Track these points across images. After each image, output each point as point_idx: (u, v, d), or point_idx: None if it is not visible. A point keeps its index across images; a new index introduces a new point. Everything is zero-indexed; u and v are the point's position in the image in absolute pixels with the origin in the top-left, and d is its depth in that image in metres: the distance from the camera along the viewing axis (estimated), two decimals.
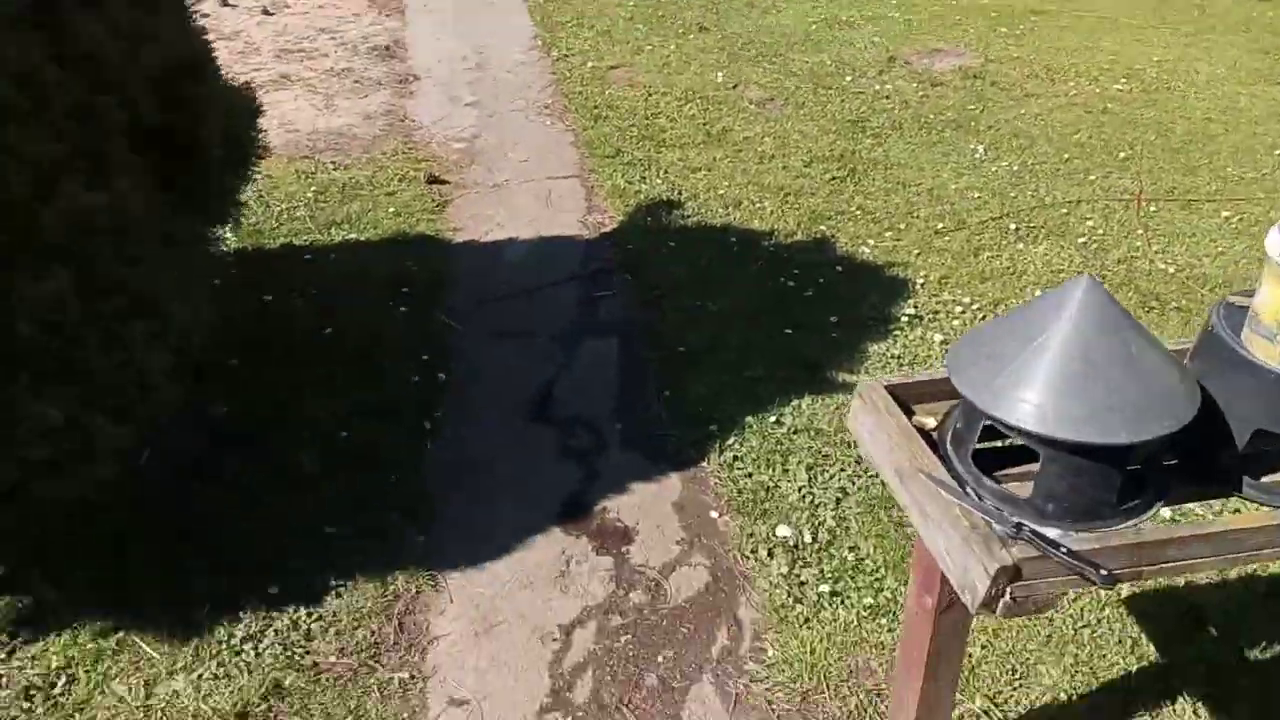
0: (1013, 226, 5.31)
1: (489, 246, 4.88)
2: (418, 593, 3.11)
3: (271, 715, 2.72)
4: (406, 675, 2.83)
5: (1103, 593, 3.03)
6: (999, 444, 1.83)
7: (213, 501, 3.37)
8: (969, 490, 1.70)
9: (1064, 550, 1.53)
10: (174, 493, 3.39)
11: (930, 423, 1.91)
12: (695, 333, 4.27)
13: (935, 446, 1.86)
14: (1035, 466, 1.77)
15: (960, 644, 2.05)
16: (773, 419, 3.76)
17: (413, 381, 3.94)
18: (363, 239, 4.89)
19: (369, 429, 3.67)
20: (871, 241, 5.08)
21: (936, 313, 4.52)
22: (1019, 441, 1.71)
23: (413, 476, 3.51)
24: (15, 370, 2.35)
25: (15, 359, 2.36)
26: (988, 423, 1.71)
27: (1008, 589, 1.56)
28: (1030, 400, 1.60)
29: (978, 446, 1.77)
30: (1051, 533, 1.60)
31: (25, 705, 2.72)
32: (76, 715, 2.70)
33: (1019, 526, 1.57)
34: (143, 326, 2.61)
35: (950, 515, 1.65)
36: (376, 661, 2.87)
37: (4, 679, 2.82)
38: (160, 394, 2.89)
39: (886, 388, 1.94)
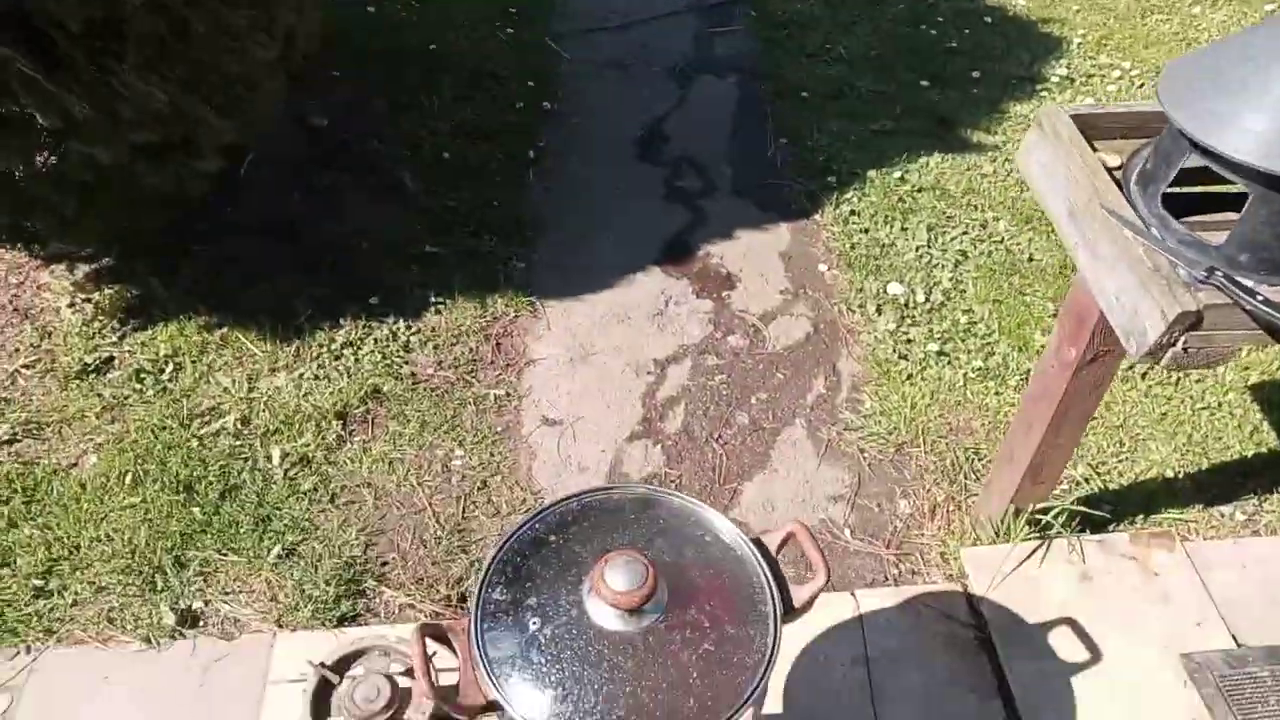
0: None
1: None
2: (516, 316, 3.08)
3: (369, 417, 2.78)
4: (502, 392, 2.85)
5: (1228, 377, 2.83)
6: (1189, 189, 1.60)
7: (314, 211, 3.34)
8: (1154, 232, 1.50)
9: (1260, 299, 1.34)
10: (277, 200, 3.37)
11: (1113, 161, 1.68)
12: (821, 77, 3.94)
13: (1117, 186, 1.64)
14: (1227, 216, 1.55)
15: (1094, 402, 1.91)
16: (897, 175, 3.50)
17: (517, 108, 3.76)
18: None
19: (472, 151, 3.55)
20: None
21: (1091, 76, 4.08)
22: (1222, 184, 1.48)
23: (515, 203, 3.40)
24: (123, 49, 2.24)
25: (123, 38, 2.26)
26: (1188, 161, 1.47)
27: (1183, 336, 1.39)
28: (1255, 128, 1.35)
29: (1166, 191, 1.55)
30: (1246, 282, 1.40)
31: (136, 386, 2.84)
32: (184, 400, 2.80)
33: (1210, 271, 1.37)
34: (248, 15, 2.46)
35: (1130, 255, 1.46)
36: (473, 377, 2.89)
37: (116, 361, 2.93)
38: (263, 89, 2.80)
39: (1071, 116, 1.70)
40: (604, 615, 1.36)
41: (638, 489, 1.59)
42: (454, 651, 1.45)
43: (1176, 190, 1.58)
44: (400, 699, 1.61)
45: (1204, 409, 2.75)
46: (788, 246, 3.32)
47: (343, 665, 1.68)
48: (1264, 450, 2.65)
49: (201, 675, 2.23)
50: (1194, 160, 1.49)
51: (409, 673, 1.64)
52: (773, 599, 1.42)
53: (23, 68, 2.07)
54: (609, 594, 1.33)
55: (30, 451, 2.70)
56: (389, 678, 1.62)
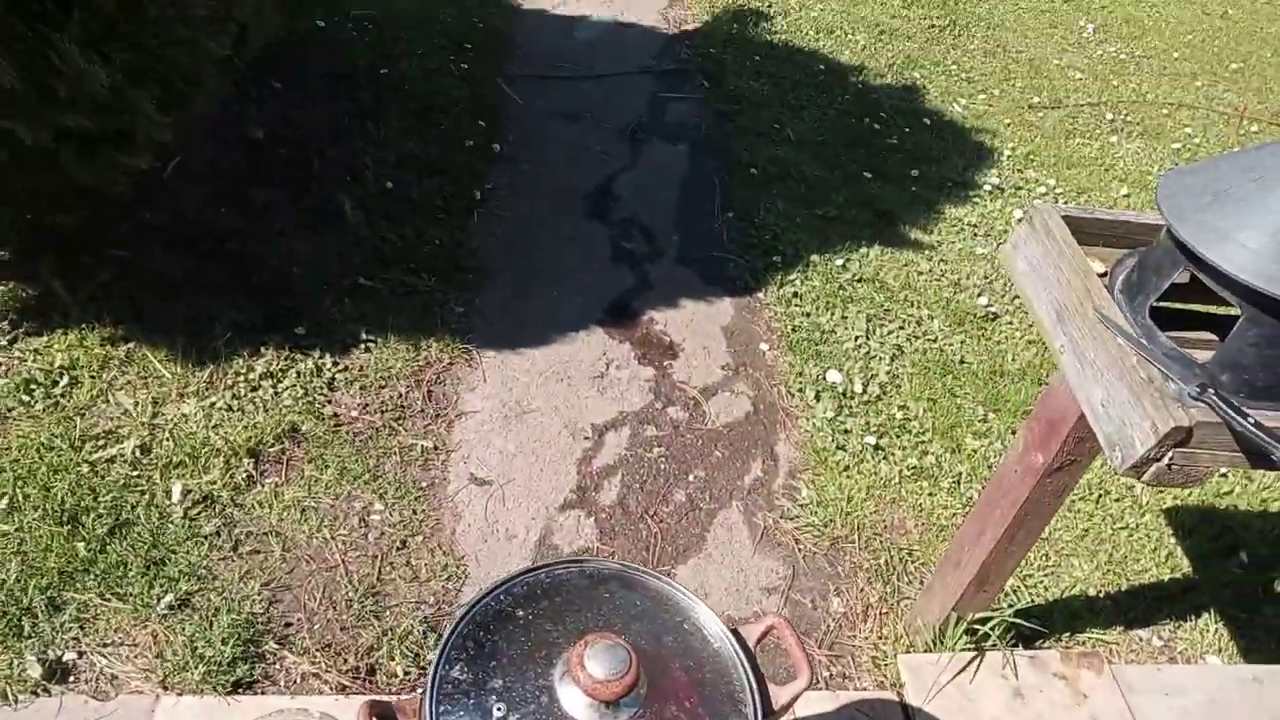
0: (1109, 116, 4.96)
1: (560, 20, 4.49)
2: (450, 363, 2.94)
3: (285, 457, 2.58)
4: (430, 444, 2.69)
5: (1144, 498, 2.92)
6: (1172, 304, 1.63)
7: (242, 228, 3.13)
8: (1142, 342, 1.50)
9: (1252, 422, 1.35)
10: (202, 210, 3.15)
11: (1098, 267, 1.69)
12: (769, 156, 3.98)
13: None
14: (1204, 335, 1.58)
15: (1053, 509, 1.92)
16: (839, 262, 3.54)
17: (466, 145, 3.66)
18: None
19: (417, 185, 3.42)
20: (963, 100, 4.73)
21: (1019, 188, 4.25)
22: (1207, 303, 1.51)
23: (458, 244, 3.28)
24: (66, 20, 2.05)
25: (68, 8, 2.06)
26: (1180, 275, 1.49)
27: (1170, 453, 1.38)
28: (1253, 246, 1.37)
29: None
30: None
31: (24, 398, 2.57)
32: (77, 419, 2.55)
33: (1203, 387, 1.38)
34: (207, 4, 2.30)
35: (1121, 364, 1.46)
36: (400, 425, 2.73)
37: (4, 368, 2.65)
38: (205, 88, 2.62)
39: (1063, 216, 1.71)
40: (577, 705, 1.24)
41: (612, 565, 1.49)
42: None
43: (1159, 304, 1.60)
44: None
45: (1123, 529, 2.82)
46: (730, 321, 3.29)
47: None
48: (1178, 575, 2.73)
49: None
50: (1182, 275, 1.52)
51: None
52: (753, 699, 1.34)
53: None
54: (587, 682, 1.22)
55: None
56: None
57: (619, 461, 2.76)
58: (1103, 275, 1.72)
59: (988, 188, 4.16)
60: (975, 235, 3.88)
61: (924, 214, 3.91)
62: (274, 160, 3.37)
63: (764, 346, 3.22)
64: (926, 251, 3.73)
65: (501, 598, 1.41)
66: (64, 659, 2.09)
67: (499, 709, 1.26)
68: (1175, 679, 2.31)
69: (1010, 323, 3.48)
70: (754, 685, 1.36)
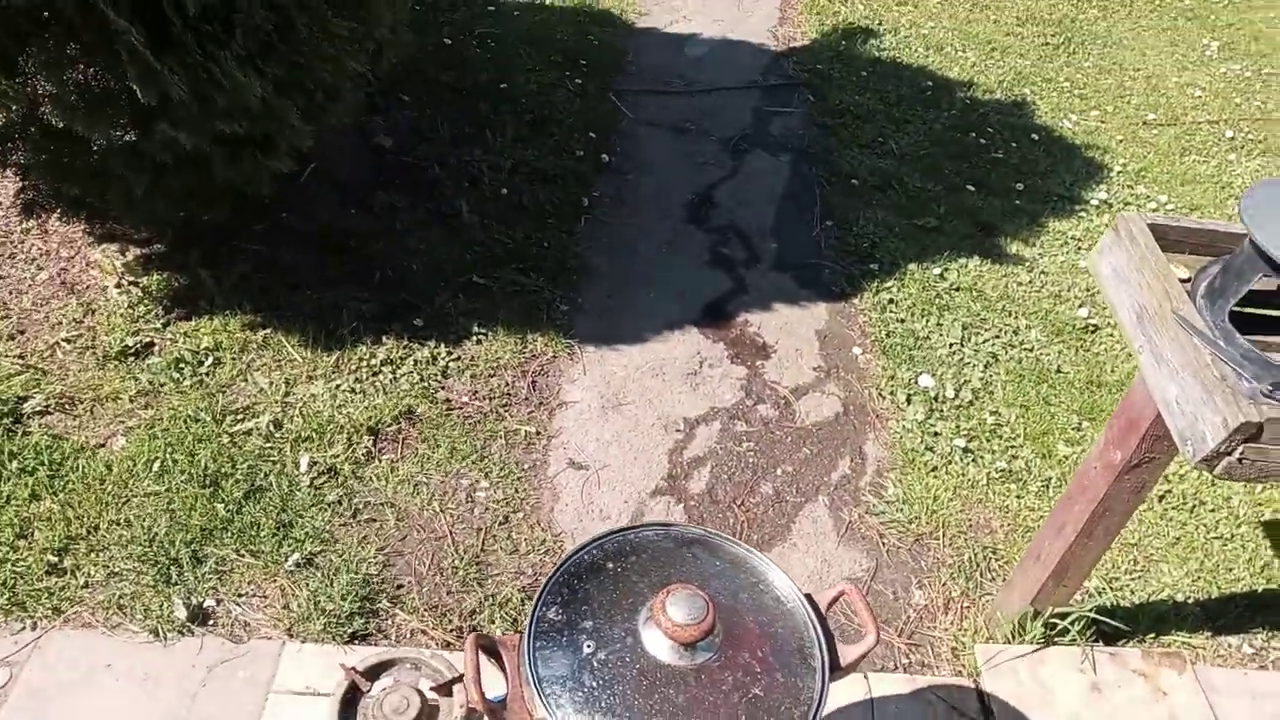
0: (1229, 134, 4.84)
1: (671, 38, 4.67)
2: (554, 357, 3.12)
3: (401, 436, 2.80)
4: (533, 430, 2.87)
5: (1242, 510, 2.87)
6: (1254, 310, 1.66)
7: (369, 228, 3.39)
8: (1220, 343, 1.55)
9: None
10: (334, 212, 3.43)
11: (1181, 273, 1.74)
12: (871, 168, 4.06)
13: None
14: None
15: (1132, 507, 1.95)
16: (937, 271, 3.59)
17: (577, 155, 3.85)
18: (546, 1, 4.71)
19: (529, 191, 3.63)
20: (1074, 117, 4.69)
21: (1128, 203, 4.20)
22: None
23: (566, 247, 3.47)
24: (229, 40, 2.31)
25: (231, 29, 2.33)
26: (1261, 281, 1.54)
27: (1240, 447, 1.43)
28: None
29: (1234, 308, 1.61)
30: None
31: (174, 375, 2.85)
32: (219, 395, 2.82)
33: (1276, 385, 1.43)
34: (348, 25, 2.55)
35: (1196, 362, 1.51)
36: (506, 411, 2.92)
37: (157, 347, 2.95)
38: (343, 101, 2.87)
39: (1148, 224, 1.76)
40: (659, 646, 1.37)
41: (695, 530, 1.62)
42: (501, 667, 1.46)
43: (1241, 310, 1.64)
44: (428, 714, 1.60)
45: (1217, 538, 2.78)
46: (824, 326, 3.38)
47: (373, 673, 1.67)
48: (1274, 586, 2.68)
49: (205, 675, 2.21)
50: (1264, 282, 1.56)
51: (439, 689, 1.63)
52: (822, 654, 1.44)
53: (135, 42, 2.14)
54: (668, 625, 1.35)
55: (61, 425, 2.71)
56: (419, 691, 1.61)
57: (709, 453, 2.88)
58: (1187, 281, 1.77)
59: (1095, 203, 4.13)
60: (1079, 249, 3.86)
61: (1027, 227, 3.92)
62: (399, 167, 3.63)
63: (857, 350, 3.30)
64: (1027, 263, 3.73)
65: (594, 552, 1.55)
66: (204, 605, 2.33)
67: (588, 645, 1.40)
68: (1265, 684, 2.29)
69: (1111, 334, 3.46)
70: (823, 641, 1.46)
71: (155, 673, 2.20)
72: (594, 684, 1.35)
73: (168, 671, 2.20)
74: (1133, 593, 2.59)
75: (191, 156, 2.67)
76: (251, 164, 2.76)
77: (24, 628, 2.26)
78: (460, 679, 1.63)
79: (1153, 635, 2.45)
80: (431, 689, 1.65)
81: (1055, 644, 2.31)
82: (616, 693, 1.34)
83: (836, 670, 1.46)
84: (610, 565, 1.53)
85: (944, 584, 2.57)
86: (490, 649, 1.48)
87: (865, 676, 2.28)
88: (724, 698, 1.35)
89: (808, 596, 1.54)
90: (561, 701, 1.34)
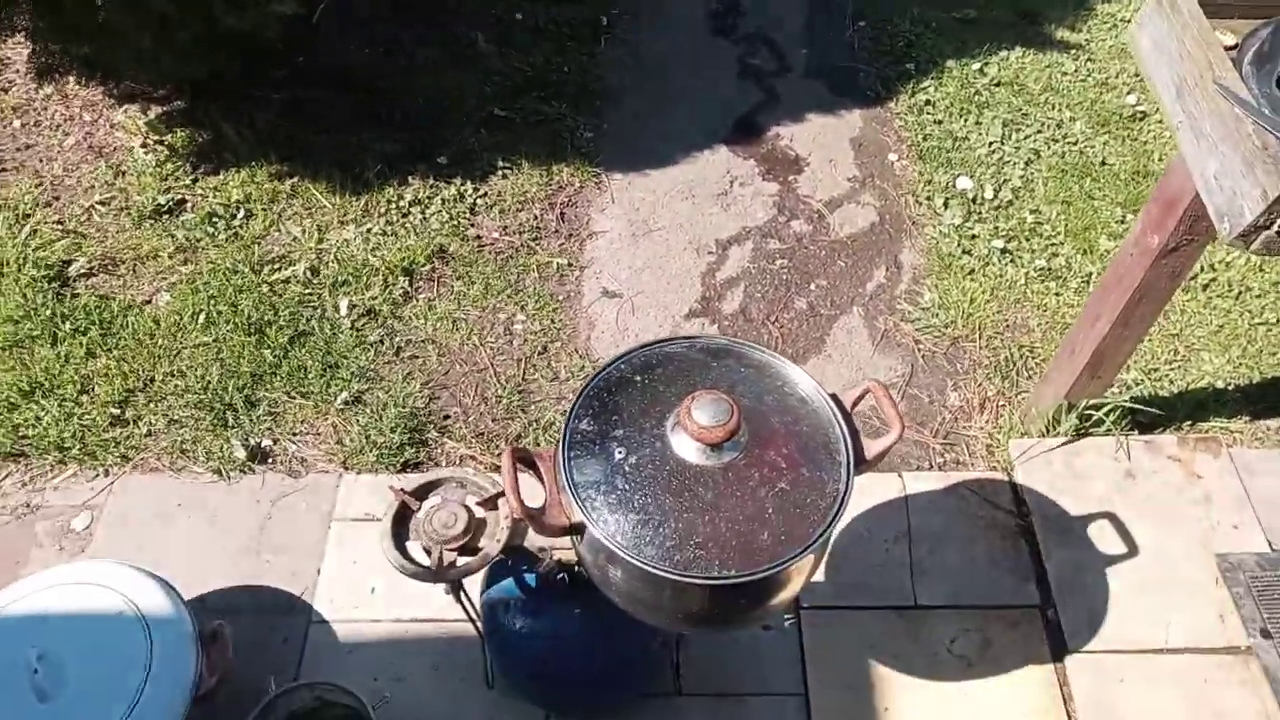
0: None
1: None
2: (581, 187, 3.08)
3: (435, 275, 2.82)
4: (565, 262, 2.87)
5: None
6: None
7: (385, 67, 3.32)
8: (1266, 112, 1.47)
9: None
10: (348, 52, 3.35)
11: (1229, 40, 1.63)
12: None
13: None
14: None
15: (1168, 293, 1.92)
16: (976, 67, 3.42)
17: None
18: None
19: (545, 14, 3.49)
20: None
21: None
22: None
23: (586, 72, 3.37)
24: None
25: None
26: None
27: (1279, 220, 1.38)
28: None
29: None
30: None
31: (209, 230, 2.89)
32: (255, 246, 2.85)
33: None
34: None
35: (1238, 133, 1.44)
36: (537, 244, 2.92)
37: (189, 203, 2.97)
38: None
39: None
40: (687, 449, 1.41)
41: (720, 339, 1.63)
42: (539, 478, 1.52)
43: None
44: (475, 527, 1.69)
45: (1261, 324, 2.73)
46: (859, 133, 3.28)
47: (421, 493, 1.75)
48: None
49: (269, 508, 2.34)
50: None
51: (484, 504, 1.71)
52: (846, 449, 1.47)
53: None
54: (693, 428, 1.38)
55: (106, 286, 2.78)
56: (466, 507, 1.69)
57: (742, 274, 2.87)
58: (1233, 49, 1.66)
59: None
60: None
61: (1073, 11, 3.68)
62: (412, 1, 3.51)
63: (892, 157, 3.20)
64: (1073, 51, 3.53)
65: (622, 367, 1.58)
66: (262, 445, 2.44)
67: (620, 452, 1.44)
68: None
69: (1159, 121, 3.30)
70: (847, 437, 1.49)
71: (223, 509, 2.33)
72: (626, 486, 1.40)
73: (235, 507, 2.34)
74: (1172, 383, 2.58)
75: (193, 4, 2.61)
76: (255, 8, 2.69)
77: (97, 474, 2.40)
78: (500, 494, 1.71)
79: (1190, 423, 2.45)
80: (477, 504, 1.72)
81: (1090, 435, 2.32)
82: (648, 493, 1.39)
83: (862, 464, 1.49)
84: (638, 378, 1.55)
85: (979, 384, 2.58)
86: (528, 462, 1.53)
87: (900, 475, 2.33)
88: (751, 493, 1.39)
89: (833, 396, 1.55)
90: (596, 504, 1.40)
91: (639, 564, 1.34)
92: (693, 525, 1.37)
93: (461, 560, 1.68)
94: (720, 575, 1.34)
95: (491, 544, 1.67)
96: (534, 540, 1.71)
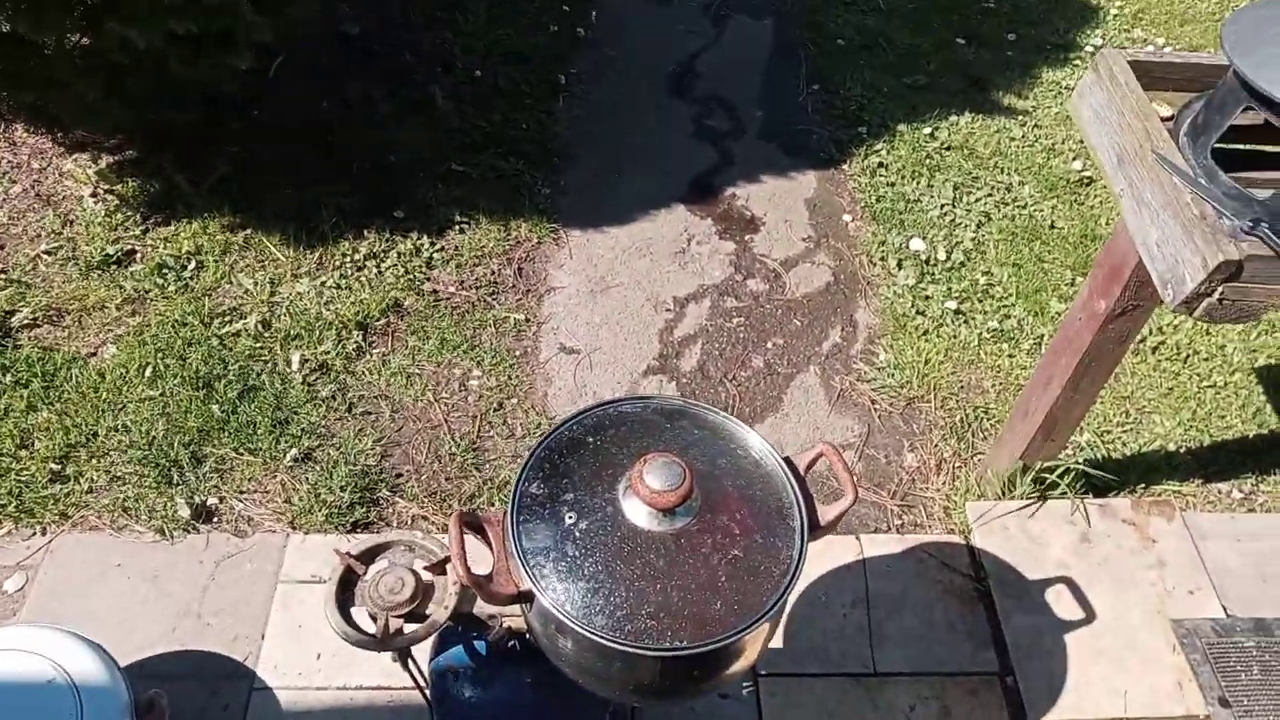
0: None
1: None
2: (539, 242, 3.08)
3: (390, 330, 2.79)
4: (522, 317, 2.86)
5: (1236, 358, 2.86)
6: (1237, 146, 1.62)
7: (342, 120, 3.31)
8: (1202, 182, 1.51)
9: None
10: (305, 106, 3.34)
11: (1165, 111, 1.69)
12: (858, 26, 3.91)
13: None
14: (1272, 174, 1.57)
15: (1117, 357, 1.95)
16: (927, 131, 3.50)
17: (551, 31, 3.72)
18: None
19: (504, 72, 3.52)
20: None
21: (1125, 48, 4.05)
22: (1272, 142, 1.50)
23: (544, 128, 3.39)
24: None
25: None
26: (1242, 113, 1.49)
27: (1220, 287, 1.41)
28: None
29: (1216, 144, 1.56)
30: None
31: (158, 281, 2.83)
32: (205, 298, 2.81)
33: (1256, 221, 1.40)
34: None
35: (1177, 202, 1.48)
36: (494, 299, 2.90)
37: (138, 254, 2.93)
38: None
39: (1129, 62, 1.70)
40: (638, 514, 1.39)
41: (674, 401, 1.62)
42: (487, 543, 1.48)
43: (1225, 146, 1.59)
44: (423, 592, 1.64)
45: (1210, 387, 2.79)
46: (813, 194, 3.32)
47: (367, 557, 1.71)
48: (1265, 431, 2.70)
49: (213, 569, 2.27)
50: (1246, 117, 1.51)
51: (432, 568, 1.67)
52: (800, 514, 1.46)
53: None
54: (645, 492, 1.36)
55: (50, 337, 2.71)
56: (413, 571, 1.65)
57: (699, 331, 2.88)
58: (1170, 120, 1.71)
59: (1089, 49, 3.99)
60: None
61: (1019, 79, 3.79)
62: (370, 55, 3.52)
63: (847, 218, 3.25)
64: (1020, 117, 3.63)
65: (574, 427, 1.56)
66: (208, 503, 2.38)
67: (570, 517, 1.42)
68: (1250, 526, 2.33)
69: (1104, 187, 3.39)
70: (801, 501, 1.48)
71: (165, 569, 2.26)
72: (576, 553, 1.38)
73: (177, 568, 2.26)
74: (1124, 445, 2.62)
75: (147, 56, 2.59)
76: (210, 61, 2.68)
77: (34, 533, 2.31)
78: (448, 559, 1.67)
79: (1143, 485, 2.49)
80: (425, 568, 1.68)
81: (1046, 499, 2.34)
82: (598, 559, 1.37)
83: (816, 529, 1.48)
84: (590, 439, 1.53)
85: (935, 445, 2.60)
86: (476, 526, 1.50)
87: (858, 538, 2.33)
88: (704, 560, 1.37)
89: (786, 460, 1.55)
90: (545, 571, 1.37)
91: (589, 634, 1.31)
92: (644, 594, 1.34)
93: (409, 627, 1.63)
94: (672, 646, 1.31)
95: (439, 610, 1.62)
96: (484, 608, 1.67)
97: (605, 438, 1.54)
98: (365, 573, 1.69)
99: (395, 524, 2.37)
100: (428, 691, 1.85)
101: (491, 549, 1.48)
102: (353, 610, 1.67)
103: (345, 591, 1.67)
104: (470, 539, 1.44)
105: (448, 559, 1.67)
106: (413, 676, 1.78)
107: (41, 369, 2.59)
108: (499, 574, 1.44)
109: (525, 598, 1.41)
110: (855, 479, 1.50)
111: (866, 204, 3.27)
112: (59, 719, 1.73)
